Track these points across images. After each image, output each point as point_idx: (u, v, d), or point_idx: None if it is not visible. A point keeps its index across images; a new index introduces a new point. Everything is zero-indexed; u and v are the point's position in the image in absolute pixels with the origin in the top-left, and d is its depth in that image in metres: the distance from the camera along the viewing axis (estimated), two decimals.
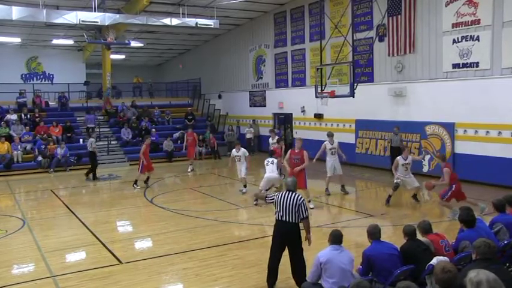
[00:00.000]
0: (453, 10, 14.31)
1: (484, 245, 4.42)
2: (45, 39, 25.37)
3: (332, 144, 12.85)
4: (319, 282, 5.40)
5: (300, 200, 6.33)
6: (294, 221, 6.30)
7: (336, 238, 5.50)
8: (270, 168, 11.90)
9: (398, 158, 11.71)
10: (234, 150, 13.86)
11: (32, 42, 25.98)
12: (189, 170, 18.31)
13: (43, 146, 19.09)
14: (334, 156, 12.90)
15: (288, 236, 6.38)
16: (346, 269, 5.29)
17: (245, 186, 13.54)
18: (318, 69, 17.09)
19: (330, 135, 13.15)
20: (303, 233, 6.50)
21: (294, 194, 6.41)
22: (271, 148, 14.73)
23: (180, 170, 18.71)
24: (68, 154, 19.08)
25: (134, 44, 24.96)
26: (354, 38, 16.49)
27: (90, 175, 16.86)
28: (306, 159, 11.16)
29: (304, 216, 6.35)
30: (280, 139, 15.84)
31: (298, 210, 6.29)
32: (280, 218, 6.36)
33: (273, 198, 6.57)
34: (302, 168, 11.12)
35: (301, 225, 6.47)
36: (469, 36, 13.95)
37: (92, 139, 17.08)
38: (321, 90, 16.54)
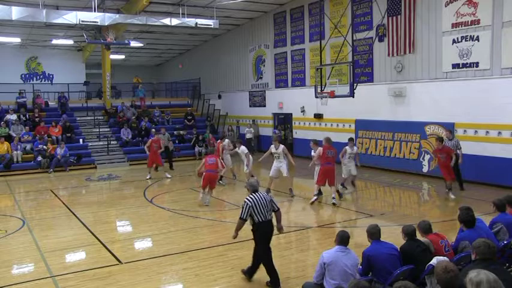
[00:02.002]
0: (453, 10, 14.31)
1: (483, 245, 4.42)
2: (44, 39, 25.34)
3: (276, 149, 12.94)
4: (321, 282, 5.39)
5: (270, 196, 6.77)
6: (271, 218, 6.65)
7: (343, 239, 5.47)
8: None
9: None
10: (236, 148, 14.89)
11: (32, 42, 25.97)
12: (147, 177, 16.39)
13: (40, 146, 19.10)
14: (279, 159, 12.95)
15: (270, 234, 6.67)
16: (349, 273, 5.27)
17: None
18: (317, 69, 17.10)
19: (274, 140, 13.68)
20: None
21: (262, 193, 6.73)
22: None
23: (180, 170, 18.71)
24: (67, 154, 19.08)
25: (134, 44, 24.97)
26: (354, 38, 16.49)
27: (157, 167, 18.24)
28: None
29: (278, 208, 6.79)
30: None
31: (272, 205, 6.65)
32: (262, 220, 6.50)
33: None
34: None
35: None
36: (468, 36, 13.96)
37: (161, 135, 18.94)
38: (321, 90, 16.54)
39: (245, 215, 6.47)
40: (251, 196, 6.55)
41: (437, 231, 6.09)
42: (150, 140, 17.00)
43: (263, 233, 6.57)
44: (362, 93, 15.90)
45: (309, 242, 9.12)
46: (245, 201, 6.52)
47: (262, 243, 6.61)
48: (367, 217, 10.52)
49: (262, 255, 6.63)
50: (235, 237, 6.80)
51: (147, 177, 16.45)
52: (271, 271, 6.58)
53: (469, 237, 5.79)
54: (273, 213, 6.69)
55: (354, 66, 15.99)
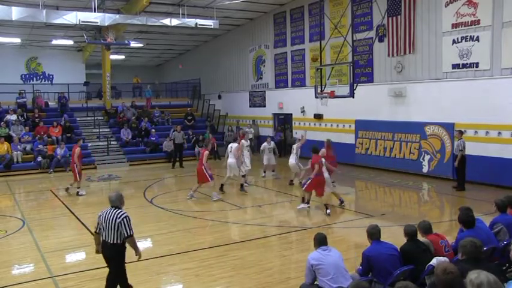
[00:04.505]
0: (453, 10, 14.32)
1: (470, 244, 4.49)
2: (44, 39, 25.33)
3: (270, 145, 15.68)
4: (316, 283, 5.40)
5: (121, 217, 5.72)
6: (113, 242, 5.75)
7: (321, 241, 5.56)
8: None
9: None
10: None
11: (32, 42, 25.97)
12: (69, 192, 14.23)
13: (40, 146, 19.08)
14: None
15: (107, 258, 5.94)
16: (339, 264, 5.34)
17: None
18: (317, 69, 17.09)
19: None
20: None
21: (116, 210, 5.81)
22: None
23: (180, 171, 18.72)
24: (67, 154, 19.04)
25: (134, 44, 24.95)
26: (354, 39, 16.50)
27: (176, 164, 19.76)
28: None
29: (128, 234, 5.76)
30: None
31: (119, 228, 5.70)
32: (104, 238, 5.83)
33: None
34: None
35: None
36: (468, 37, 13.96)
37: (176, 133, 20.43)
38: (321, 90, 16.55)
39: (96, 228, 5.93)
40: (104, 210, 5.92)
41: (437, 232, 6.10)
42: (74, 147, 14.50)
43: (102, 252, 5.95)
44: (362, 94, 15.89)
45: (309, 242, 9.04)
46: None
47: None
48: (367, 217, 10.51)
49: None
50: (138, 256, 6.08)
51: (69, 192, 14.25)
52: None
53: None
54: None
55: (354, 66, 15.99)
